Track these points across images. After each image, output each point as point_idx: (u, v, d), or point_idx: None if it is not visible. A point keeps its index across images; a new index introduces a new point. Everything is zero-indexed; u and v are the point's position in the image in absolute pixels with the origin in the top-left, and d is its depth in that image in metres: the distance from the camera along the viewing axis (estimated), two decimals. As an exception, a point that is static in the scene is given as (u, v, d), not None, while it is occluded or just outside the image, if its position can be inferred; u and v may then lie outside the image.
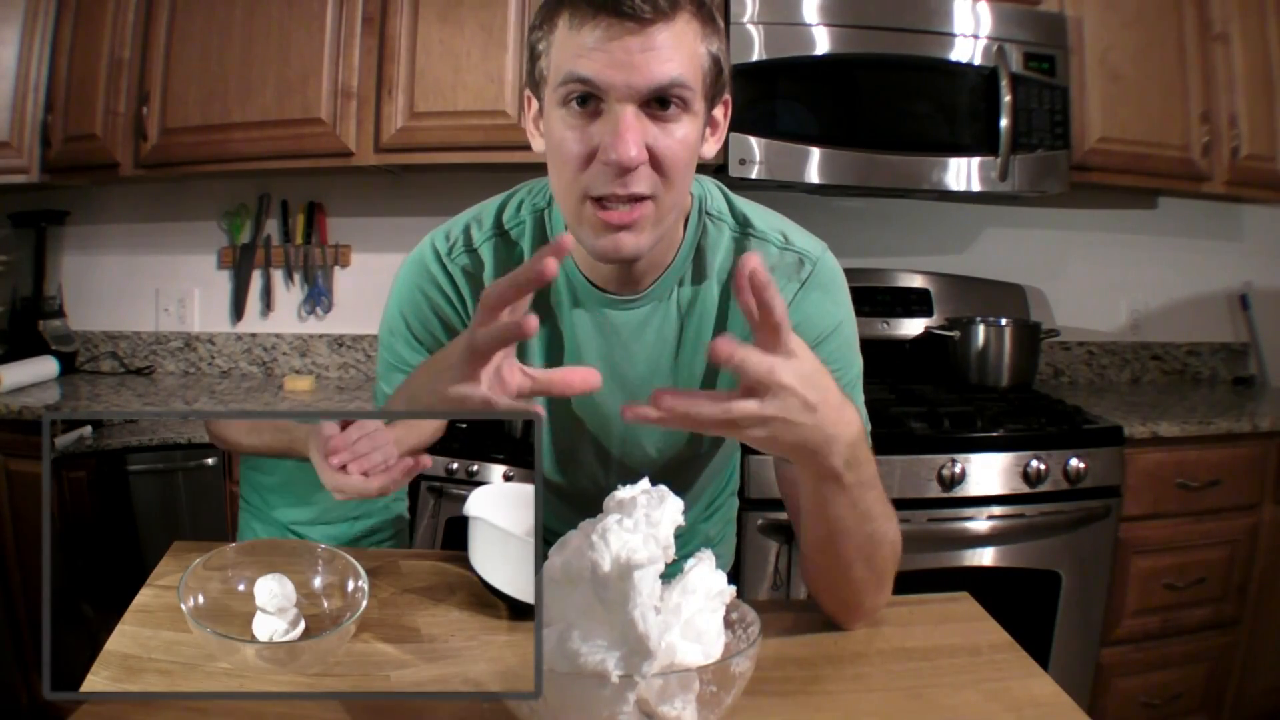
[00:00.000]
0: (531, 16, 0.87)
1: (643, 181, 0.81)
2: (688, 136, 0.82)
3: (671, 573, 0.72)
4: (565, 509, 1.06)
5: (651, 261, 0.93)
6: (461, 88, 2.14)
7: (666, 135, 0.81)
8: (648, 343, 0.98)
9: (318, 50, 2.16)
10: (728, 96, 0.90)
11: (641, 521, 0.66)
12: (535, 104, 0.88)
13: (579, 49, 0.78)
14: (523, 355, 1.00)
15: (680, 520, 0.68)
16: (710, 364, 0.99)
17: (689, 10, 0.80)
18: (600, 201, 0.82)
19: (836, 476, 0.77)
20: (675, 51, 0.78)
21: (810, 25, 2.06)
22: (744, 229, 0.97)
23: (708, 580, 0.68)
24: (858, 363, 0.99)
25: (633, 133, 0.78)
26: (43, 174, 2.31)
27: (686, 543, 1.15)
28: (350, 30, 2.16)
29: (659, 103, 0.80)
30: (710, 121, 0.88)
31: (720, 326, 0.98)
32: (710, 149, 0.90)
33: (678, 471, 1.06)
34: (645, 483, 0.70)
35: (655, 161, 0.81)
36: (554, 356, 1.00)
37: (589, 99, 0.80)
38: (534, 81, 0.86)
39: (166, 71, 2.21)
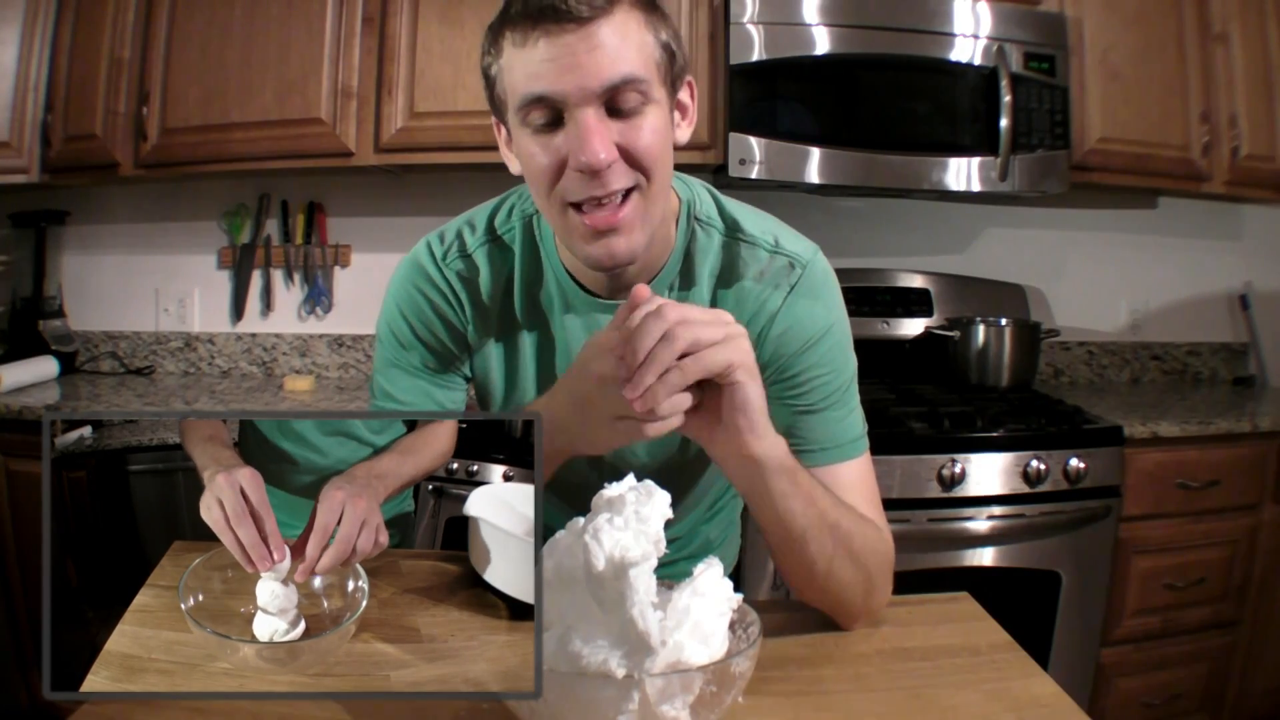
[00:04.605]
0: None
1: (620, 177, 0.81)
2: (655, 125, 0.82)
3: (672, 575, 0.72)
4: (558, 513, 1.06)
5: (643, 266, 0.92)
6: (461, 88, 2.14)
7: (633, 129, 0.80)
8: None
9: (318, 50, 2.16)
10: (690, 78, 0.89)
11: (631, 519, 0.66)
12: (504, 130, 0.88)
13: (528, 65, 0.78)
14: (516, 361, 1.00)
15: (668, 513, 0.68)
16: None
17: (627, 1, 0.79)
18: (580, 207, 0.82)
19: (763, 461, 0.77)
20: (622, 45, 0.78)
21: (810, 25, 2.06)
22: (733, 233, 0.96)
23: (717, 586, 0.68)
24: (852, 365, 0.98)
25: (598, 135, 0.78)
26: (43, 174, 2.31)
27: (687, 544, 1.15)
28: (350, 30, 2.16)
29: (618, 101, 0.79)
30: (678, 106, 0.88)
31: None
32: (683, 134, 0.89)
33: (674, 475, 1.05)
34: (631, 479, 0.70)
35: (628, 156, 0.81)
36: (546, 361, 1.00)
37: (549, 114, 0.79)
38: (496, 108, 0.87)
39: (166, 71, 2.21)
